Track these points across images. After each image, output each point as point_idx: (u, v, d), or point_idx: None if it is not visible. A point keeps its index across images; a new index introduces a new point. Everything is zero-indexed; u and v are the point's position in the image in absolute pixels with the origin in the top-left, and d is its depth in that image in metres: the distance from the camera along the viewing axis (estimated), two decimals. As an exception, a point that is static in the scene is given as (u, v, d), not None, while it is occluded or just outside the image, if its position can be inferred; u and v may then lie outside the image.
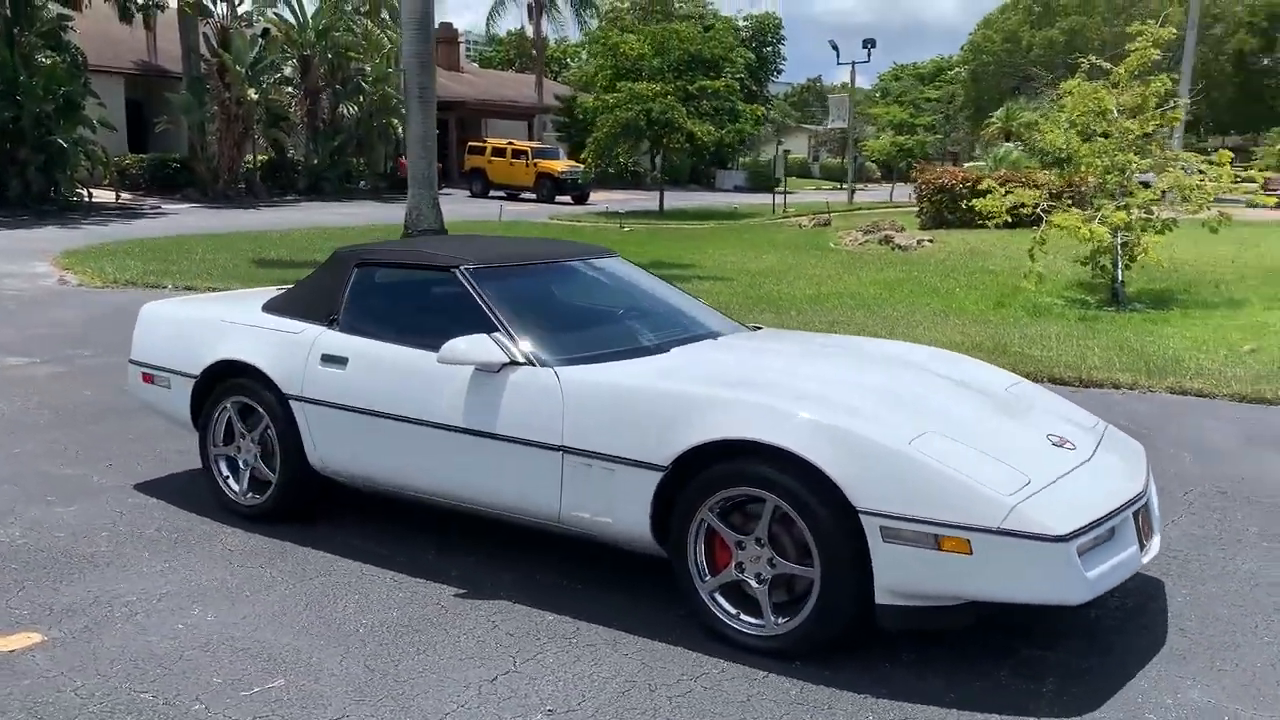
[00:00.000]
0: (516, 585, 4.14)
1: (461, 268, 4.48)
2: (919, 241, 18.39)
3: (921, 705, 3.24)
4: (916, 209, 21.30)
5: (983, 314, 12.07)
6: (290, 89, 33.18)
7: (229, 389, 4.86)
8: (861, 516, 3.30)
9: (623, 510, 3.78)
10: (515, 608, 3.93)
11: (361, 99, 33.62)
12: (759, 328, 5.08)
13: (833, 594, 3.39)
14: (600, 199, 35.83)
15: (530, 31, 49.77)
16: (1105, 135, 13.34)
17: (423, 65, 17.89)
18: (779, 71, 53.93)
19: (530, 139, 42.20)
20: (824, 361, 4.41)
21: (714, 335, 4.69)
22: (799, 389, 3.77)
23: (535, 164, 35.96)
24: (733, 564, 3.61)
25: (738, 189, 49.20)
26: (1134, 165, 13.12)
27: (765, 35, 50.36)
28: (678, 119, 28.21)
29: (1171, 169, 13.24)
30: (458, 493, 4.25)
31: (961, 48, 48.59)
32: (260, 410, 4.76)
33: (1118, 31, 44.73)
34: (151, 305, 5.50)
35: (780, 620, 3.52)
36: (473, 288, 4.39)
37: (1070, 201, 14.33)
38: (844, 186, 47.98)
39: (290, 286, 5.28)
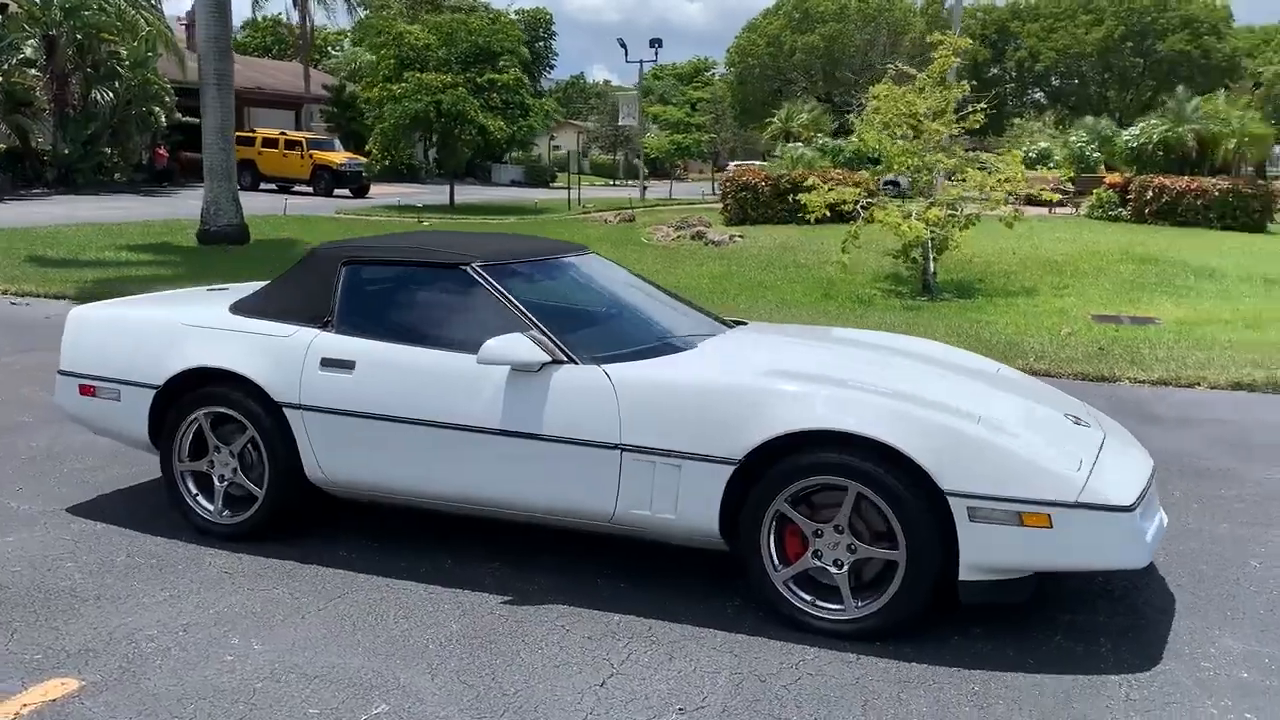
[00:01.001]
0: (559, 589, 4.06)
1: (473, 265, 4.34)
2: (730, 237, 19.02)
3: (1012, 673, 3.45)
4: (721, 205, 22.01)
5: (815, 305, 12.70)
6: (34, 71, 30.26)
7: (199, 399, 4.48)
8: (949, 499, 3.48)
9: (689, 506, 3.79)
10: (576, 611, 3.87)
11: (117, 84, 31.10)
12: (743, 322, 5.17)
13: (917, 574, 3.56)
14: (379, 193, 34.81)
15: (290, 18, 47.65)
16: (916, 135, 14.28)
17: (220, 50, 16.87)
18: (551, 67, 54.17)
19: (298, 129, 40.42)
20: (852, 354, 4.56)
21: (721, 330, 4.76)
22: (860, 380, 3.92)
23: (311, 155, 34.52)
24: (809, 552, 3.71)
25: (514, 183, 49.32)
26: (941, 164, 14.15)
27: (538, 30, 50.41)
28: (470, 112, 27.81)
29: (972, 168, 14.36)
30: (493, 497, 4.11)
31: (727, 50, 50.54)
32: (241, 420, 4.42)
33: (867, 39, 48.01)
34: (83, 310, 4.97)
35: (861, 603, 3.65)
36: (491, 285, 4.27)
37: (889, 198, 15.22)
38: (617, 183, 49.08)
39: (260, 286, 4.91)
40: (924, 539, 3.53)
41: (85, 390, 4.74)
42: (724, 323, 4.99)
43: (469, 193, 36.34)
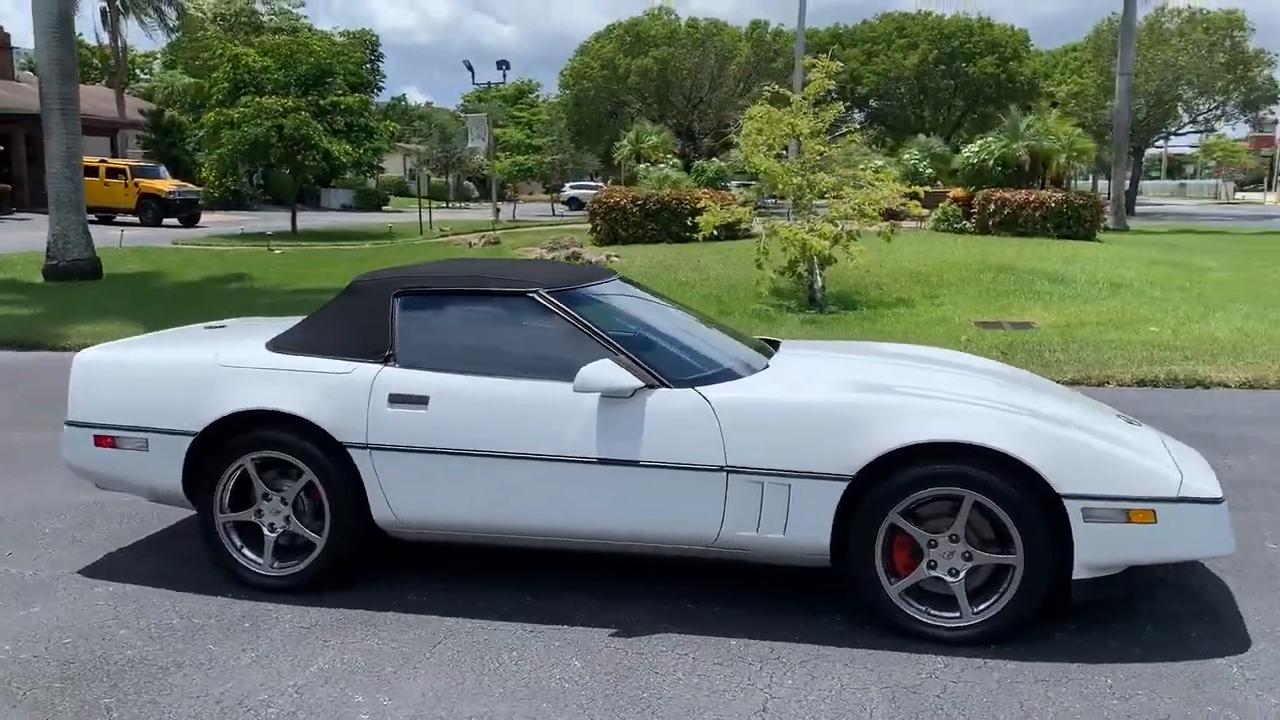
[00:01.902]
0: (657, 617, 4.01)
1: (539, 291, 4.25)
2: (608, 257, 19.08)
3: (1129, 663, 3.62)
4: (590, 226, 22.06)
5: (720, 319, 12.87)
6: None
7: (246, 444, 4.20)
8: (1065, 502, 3.63)
9: (799, 524, 3.81)
10: (689, 638, 3.83)
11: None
12: (776, 341, 5.22)
13: (1035, 577, 3.69)
14: (209, 221, 33.29)
15: (100, 39, 45.00)
16: (798, 155, 14.76)
17: (64, 73, 15.84)
18: (379, 89, 53.08)
19: (115, 155, 38.21)
20: (914, 366, 4.68)
21: (768, 349, 4.80)
22: (949, 392, 4.04)
23: (136, 183, 32.70)
24: (924, 563, 3.79)
25: (345, 208, 48.22)
26: (823, 182, 14.66)
27: (365, 52, 49.32)
28: (314, 136, 26.95)
29: (849, 187, 14.94)
30: (587, 529, 4.02)
31: (561, 72, 50.75)
32: (296, 464, 4.18)
33: (696, 63, 49.15)
34: (95, 354, 4.58)
35: (978, 609, 3.76)
36: (564, 312, 4.18)
37: (780, 215, 15.59)
38: (449, 205, 48.57)
39: (297, 322, 4.63)
40: (1039, 542, 3.67)
41: (102, 442, 4.37)
42: (758, 341, 5.03)
43: (304, 219, 35.15)
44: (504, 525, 4.10)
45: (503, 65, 32.34)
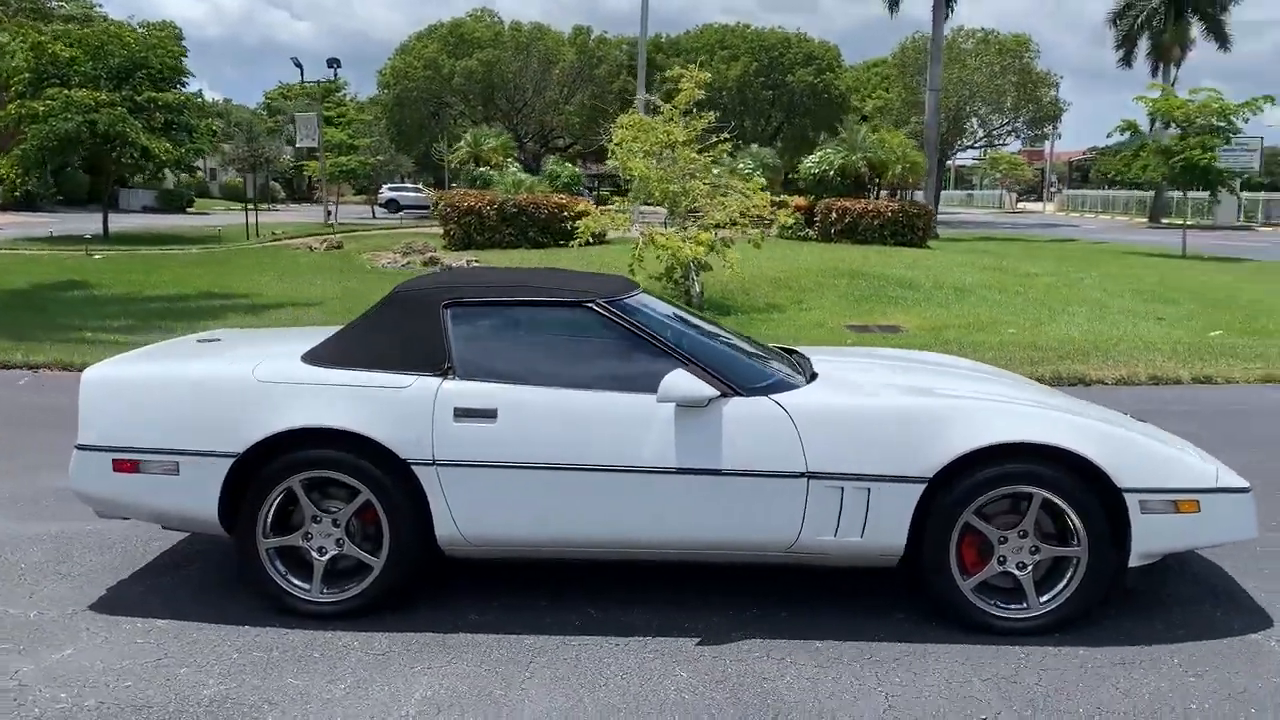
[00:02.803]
0: (731, 623, 4.05)
1: (597, 301, 4.21)
2: (468, 262, 18.79)
3: (1181, 644, 3.91)
4: (442, 230, 21.63)
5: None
6: None
7: (294, 464, 3.98)
8: (1125, 495, 3.89)
9: (878, 527, 3.94)
10: (774, 643, 3.88)
11: None
12: (796, 349, 5.27)
13: (1098, 567, 3.94)
14: (2, 222, 30.73)
15: None
16: (673, 163, 14.98)
17: None
18: (184, 84, 50.25)
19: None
20: (942, 371, 4.88)
21: (800, 357, 4.90)
22: (1004, 395, 4.26)
23: (-87, 182, 29.73)
24: (994, 559, 3.98)
25: (146, 209, 45.68)
26: (698, 190, 14.95)
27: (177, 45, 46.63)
28: (131, 133, 25.29)
29: (722, 195, 15.29)
30: (662, 538, 4.01)
31: (381, 72, 49.38)
32: (352, 484, 3.99)
33: (520, 66, 48.95)
34: (107, 370, 4.21)
35: (1043, 600, 3.98)
36: (625, 322, 4.17)
37: (653, 221, 15.74)
38: (257, 207, 46.61)
39: (333, 333, 4.39)
40: (1101, 534, 3.92)
41: (123, 466, 4.03)
42: (778, 349, 5.12)
43: (111, 220, 32.91)
44: (577, 539, 4.04)
45: (334, 63, 31.23)
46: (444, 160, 51.94)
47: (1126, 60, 48.38)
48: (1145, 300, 16.37)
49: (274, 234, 26.68)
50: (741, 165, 32.50)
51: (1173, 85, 44.85)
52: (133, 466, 4.03)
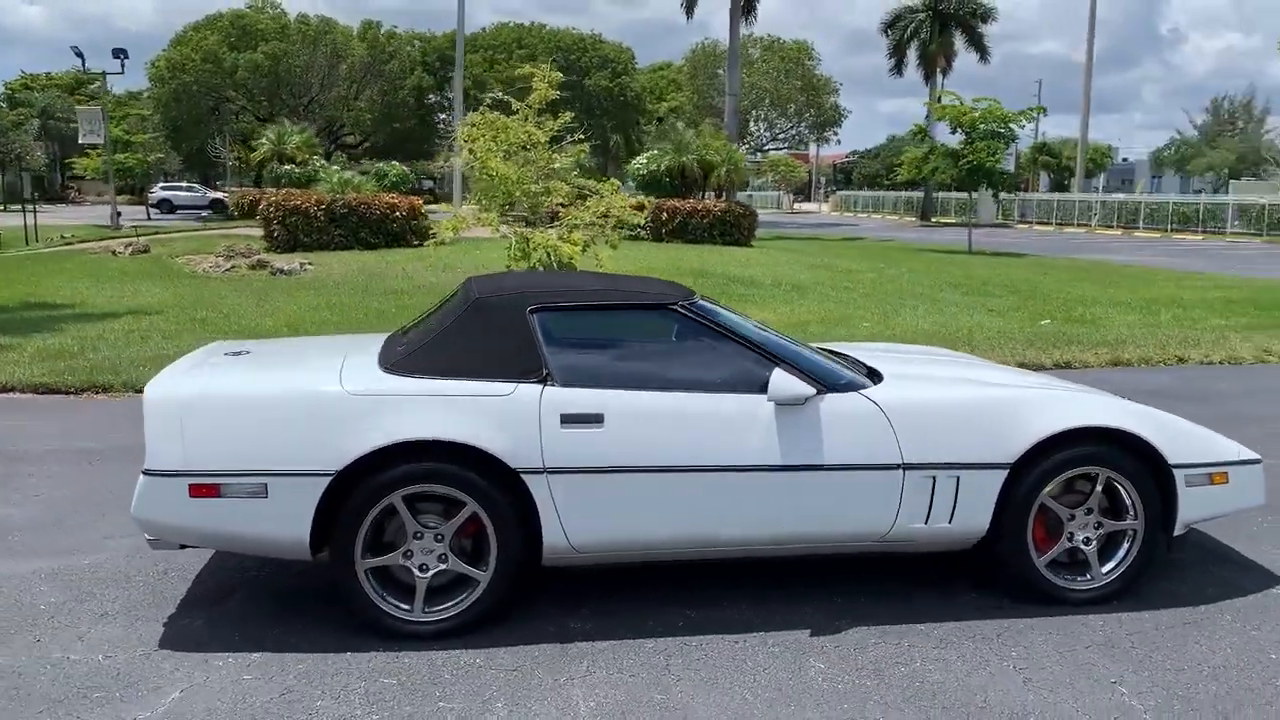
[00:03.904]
0: (827, 614, 4.17)
1: (680, 304, 4.25)
2: (301, 265, 17.98)
3: (1222, 601, 4.33)
4: (264, 231, 20.54)
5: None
6: None
7: (396, 479, 3.80)
8: (1175, 471, 4.29)
9: (965, 513, 4.16)
10: (884, 629, 4.04)
11: None
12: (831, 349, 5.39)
13: (1150, 539, 4.32)
14: None
15: None
16: (531, 162, 14.89)
17: None
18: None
19: None
20: (968, 365, 5.17)
21: (847, 355, 5.05)
22: (1048, 382, 4.58)
23: None
24: (1064, 535, 4.29)
25: None
26: (560, 190, 14.95)
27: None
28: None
29: (583, 196, 15.34)
30: (766, 535, 4.09)
31: (152, 64, 46.08)
32: (458, 497, 3.85)
33: (307, 61, 47.08)
34: (172, 388, 3.88)
35: (1105, 570, 4.32)
36: (711, 324, 4.23)
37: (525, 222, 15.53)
38: (31, 207, 42.70)
39: (411, 338, 4.18)
40: (1153, 507, 4.30)
41: (201, 492, 3.73)
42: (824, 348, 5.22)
43: None
44: (684, 541, 4.06)
45: (120, 54, 28.92)
46: (220, 157, 49.31)
47: (898, 69, 51.60)
48: (964, 293, 17.61)
49: (63, 237, 24.58)
50: (558, 165, 32.70)
51: (939, 93, 48.20)
52: (214, 491, 3.74)
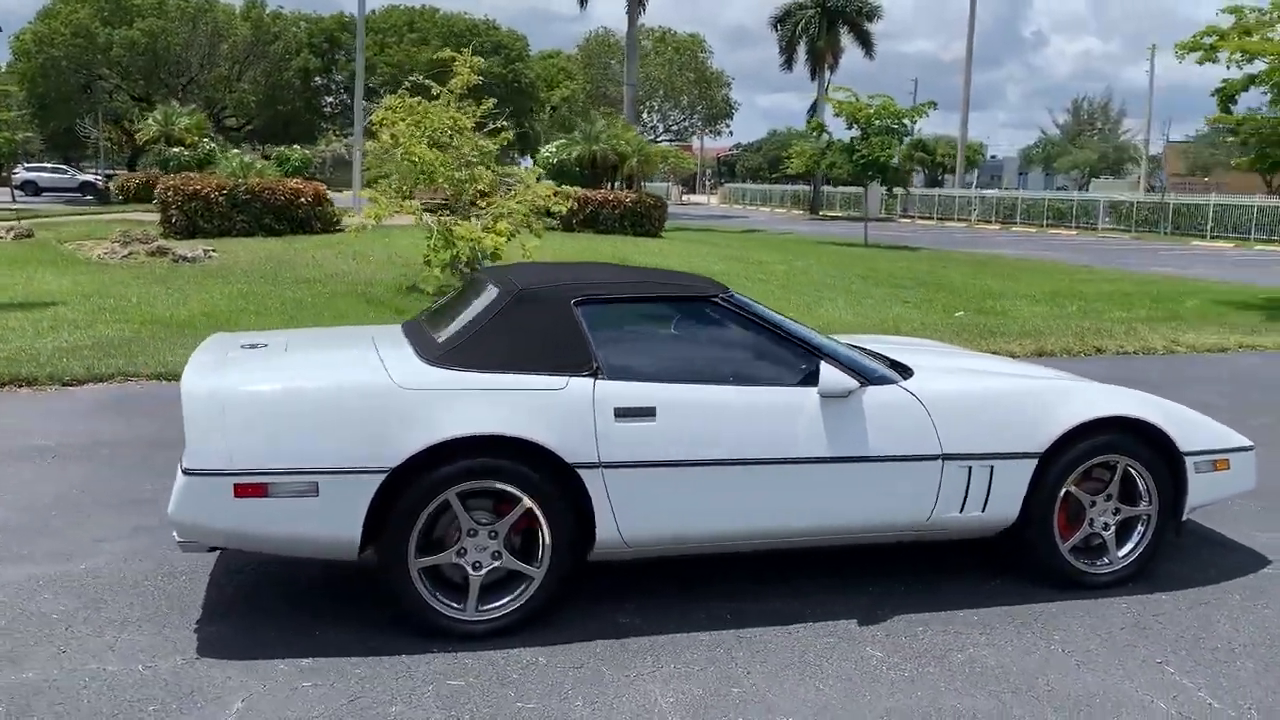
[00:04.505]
0: (868, 602, 4.23)
1: (721, 297, 4.24)
2: (205, 252, 17.28)
3: (1232, 580, 4.56)
4: (160, 216, 19.62)
5: (393, 319, 12.43)
6: None
7: (452, 475, 3.69)
8: (1185, 459, 4.48)
9: (998, 501, 4.27)
10: (932, 616, 4.12)
11: None
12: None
13: (1161, 523, 4.50)
14: None
15: None
16: (457, 149, 14.64)
17: None
18: None
19: None
20: (967, 356, 5.27)
21: (864, 347, 5.11)
22: (1059, 374, 4.73)
23: None
24: (1086, 522, 4.44)
25: None
26: (484, 177, 14.74)
27: None
28: None
29: (506, 184, 15.17)
30: (810, 526, 4.12)
31: (19, 36, 43.52)
32: (512, 493, 3.77)
33: (187, 39, 45.22)
34: (213, 383, 3.67)
35: (1121, 554, 4.49)
36: (752, 316, 4.24)
37: (447, 210, 15.21)
38: None
39: (448, 330, 4.05)
40: (1166, 493, 4.48)
41: (247, 491, 3.56)
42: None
43: None
44: (732, 533, 4.06)
45: (-8, 25, 26.95)
46: (91, 138, 46.97)
47: (788, 64, 52.50)
48: (875, 285, 18.03)
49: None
50: (487, 150, 32.12)
51: (827, 88, 49.14)
52: (261, 490, 3.56)
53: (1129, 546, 4.50)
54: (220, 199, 19.03)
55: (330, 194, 21.95)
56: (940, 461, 4.18)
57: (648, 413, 3.89)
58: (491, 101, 15.32)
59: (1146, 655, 3.82)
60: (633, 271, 4.79)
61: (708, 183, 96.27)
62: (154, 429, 6.78)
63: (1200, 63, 14.67)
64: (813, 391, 4.07)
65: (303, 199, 19.70)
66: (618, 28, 51.38)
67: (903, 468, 4.14)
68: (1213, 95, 15.17)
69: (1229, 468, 4.63)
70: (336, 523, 3.63)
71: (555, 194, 15.24)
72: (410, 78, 16.01)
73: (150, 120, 32.16)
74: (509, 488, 3.76)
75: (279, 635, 3.77)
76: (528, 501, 3.78)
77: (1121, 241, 37.50)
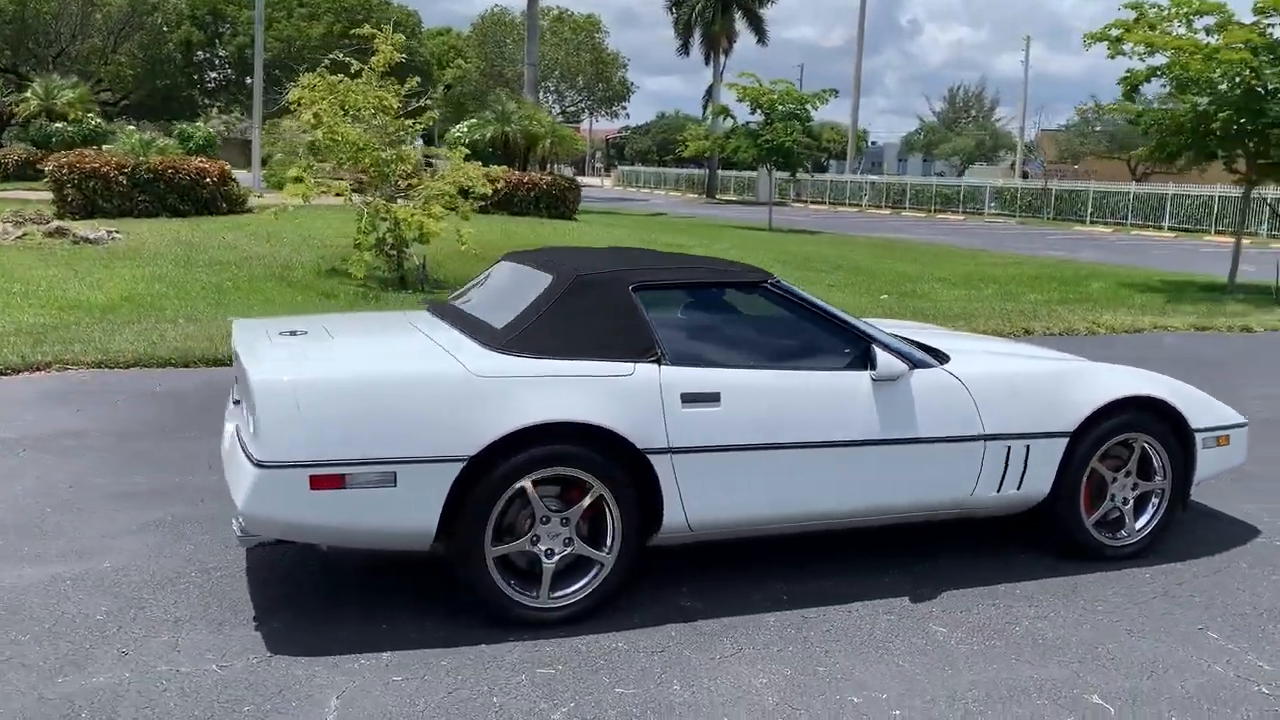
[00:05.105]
0: (911, 581, 4.33)
1: (770, 281, 4.28)
2: (109, 234, 16.49)
3: (1224, 553, 4.80)
4: (54, 196, 18.59)
5: (319, 304, 12.08)
6: None
7: (528, 462, 3.65)
8: (1196, 435, 4.71)
9: (1032, 479, 4.43)
10: (982, 591, 4.25)
11: None
12: None
13: (1173, 498, 4.73)
14: None
15: None
16: (381, 128, 14.29)
17: None
18: None
19: None
20: (978, 339, 5.42)
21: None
22: (1070, 355, 4.91)
23: None
24: (1108, 496, 4.63)
25: None
26: (411, 158, 14.44)
27: None
28: None
29: (431, 164, 14.89)
30: (867, 506, 4.20)
31: None
32: (585, 479, 3.74)
33: (57, 7, 42.90)
34: (284, 374, 3.53)
35: (1139, 527, 4.71)
36: (800, 301, 4.29)
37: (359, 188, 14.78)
38: None
39: (515, 318, 3.96)
40: (1178, 469, 4.71)
41: (323, 483, 3.44)
42: None
43: None
44: (789, 516, 4.12)
45: None
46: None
47: (684, 49, 52.73)
48: (795, 268, 18.34)
49: None
50: (415, 129, 31.30)
51: (723, 73, 49.54)
52: (338, 482, 3.46)
53: (1144, 520, 4.72)
54: (121, 178, 18.16)
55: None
56: (983, 442, 4.30)
57: (713, 398, 3.91)
58: (415, 80, 15.00)
59: (1186, 622, 4.02)
60: (680, 257, 4.79)
61: (598, 165, 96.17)
62: (114, 418, 6.51)
63: (1111, 56, 15.29)
64: (864, 375, 4.15)
65: (208, 179, 18.97)
66: (512, 5, 50.88)
67: (949, 448, 4.26)
68: (1119, 84, 15.85)
69: (1229, 443, 4.89)
70: (414, 513, 3.55)
71: (485, 175, 15.03)
72: (312, 55, 15.54)
73: (30, 93, 30.39)
74: (581, 474, 3.73)
75: (346, 630, 3.66)
76: (599, 488, 3.76)
77: (1008, 226, 38.95)
